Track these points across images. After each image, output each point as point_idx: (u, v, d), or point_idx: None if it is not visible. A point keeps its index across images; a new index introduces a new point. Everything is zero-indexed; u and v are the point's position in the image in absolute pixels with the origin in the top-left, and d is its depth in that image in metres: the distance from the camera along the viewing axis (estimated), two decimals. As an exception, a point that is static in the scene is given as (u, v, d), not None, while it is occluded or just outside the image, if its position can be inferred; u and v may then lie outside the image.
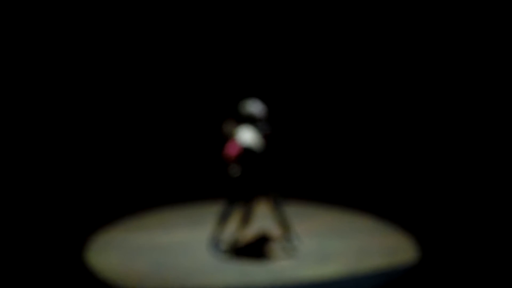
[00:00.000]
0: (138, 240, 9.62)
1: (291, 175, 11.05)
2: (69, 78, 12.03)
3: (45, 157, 11.74)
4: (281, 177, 9.62)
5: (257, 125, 9.12)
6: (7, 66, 11.61)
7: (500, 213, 10.29)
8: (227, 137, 9.20)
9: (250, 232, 9.51)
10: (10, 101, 11.75)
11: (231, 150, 8.98)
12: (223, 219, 9.09)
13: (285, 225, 9.14)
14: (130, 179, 11.67)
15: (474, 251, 9.22)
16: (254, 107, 9.05)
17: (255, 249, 9.21)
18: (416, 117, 12.19)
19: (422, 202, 10.93)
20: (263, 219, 9.75)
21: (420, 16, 11.99)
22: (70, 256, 9.07)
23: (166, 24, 12.15)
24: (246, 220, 9.30)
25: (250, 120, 9.11)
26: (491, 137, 11.68)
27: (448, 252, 9.23)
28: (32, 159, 11.60)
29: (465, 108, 11.89)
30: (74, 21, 11.86)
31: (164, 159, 12.10)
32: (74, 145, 11.96)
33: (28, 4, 11.51)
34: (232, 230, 9.47)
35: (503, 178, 11.23)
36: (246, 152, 8.94)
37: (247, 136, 8.95)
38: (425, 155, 11.94)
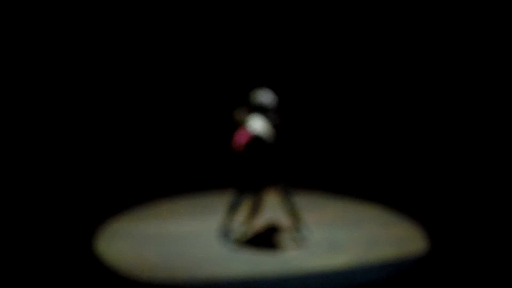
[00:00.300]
0: (147, 230, 9.67)
1: (301, 165, 11.17)
2: (76, 70, 12.02)
3: (55, 148, 11.77)
4: (291, 167, 9.64)
5: (267, 115, 9.14)
6: (6, 65, 11.59)
7: (510, 203, 10.31)
8: (238, 125, 9.21)
9: (260, 222, 9.60)
10: (16, 96, 11.70)
11: (240, 139, 9.00)
12: (233, 209, 9.16)
13: (295, 215, 9.22)
14: (139, 168, 11.75)
15: (484, 241, 9.25)
16: (265, 96, 9.09)
17: (265, 239, 9.28)
18: (425, 107, 12.18)
19: (431, 192, 10.95)
20: (273, 209, 9.85)
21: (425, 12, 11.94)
22: (80, 245, 9.13)
23: (175, 12, 12.16)
24: (255, 210, 9.33)
25: (260, 109, 9.15)
26: (500, 127, 11.67)
27: (458, 243, 9.27)
28: (42, 150, 11.65)
29: (473, 99, 11.89)
30: (76, 20, 11.85)
31: (174, 149, 12.15)
32: (84, 136, 12.03)
33: (28, 4, 11.52)
34: (242, 220, 9.54)
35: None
36: (256, 140, 8.99)
37: (257, 125, 8.98)
38: (434, 145, 11.98)
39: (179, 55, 12.42)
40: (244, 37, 12.36)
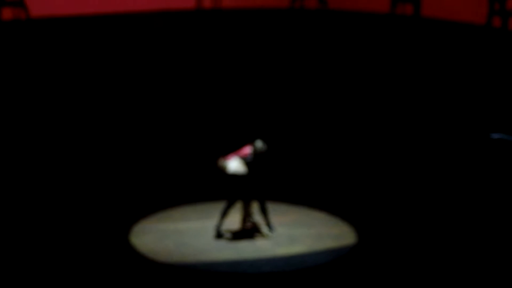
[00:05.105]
0: (165, 227, 10.19)
1: (270, 182, 10.43)
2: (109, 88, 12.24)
3: (104, 172, 11.87)
4: (265, 184, 9.99)
5: (249, 158, 9.60)
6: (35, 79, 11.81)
7: (419, 211, 10.80)
8: (221, 170, 9.57)
9: (244, 223, 10.13)
10: (56, 113, 11.97)
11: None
12: (224, 213, 9.82)
13: (266, 218, 9.99)
14: (161, 184, 11.75)
15: (398, 236, 9.96)
16: (259, 145, 9.61)
17: (246, 234, 10.00)
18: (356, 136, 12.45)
19: (361, 202, 11.23)
20: (252, 213, 10.18)
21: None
22: (120, 238, 9.84)
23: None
24: (245, 215, 9.96)
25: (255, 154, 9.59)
26: (415, 145, 12.06)
27: (378, 238, 9.96)
28: (93, 176, 11.71)
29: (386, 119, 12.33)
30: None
31: (185, 169, 12.10)
32: (126, 163, 12.08)
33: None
34: (230, 221, 9.97)
35: (425, 183, 11.55)
36: (233, 176, 9.54)
37: (233, 165, 9.57)
38: (363, 171, 12.15)
39: (184, 74, 12.35)
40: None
